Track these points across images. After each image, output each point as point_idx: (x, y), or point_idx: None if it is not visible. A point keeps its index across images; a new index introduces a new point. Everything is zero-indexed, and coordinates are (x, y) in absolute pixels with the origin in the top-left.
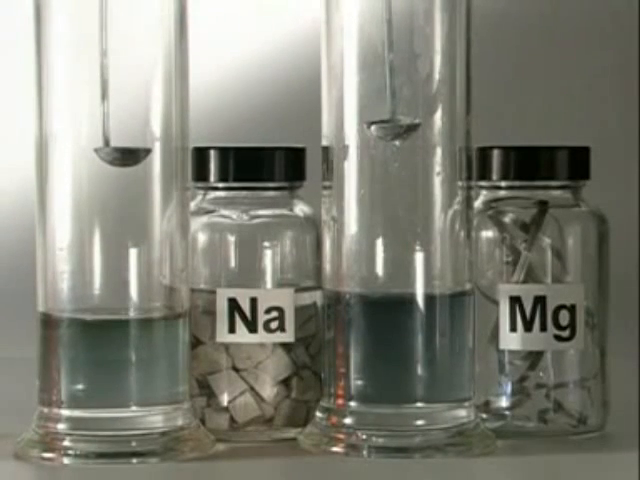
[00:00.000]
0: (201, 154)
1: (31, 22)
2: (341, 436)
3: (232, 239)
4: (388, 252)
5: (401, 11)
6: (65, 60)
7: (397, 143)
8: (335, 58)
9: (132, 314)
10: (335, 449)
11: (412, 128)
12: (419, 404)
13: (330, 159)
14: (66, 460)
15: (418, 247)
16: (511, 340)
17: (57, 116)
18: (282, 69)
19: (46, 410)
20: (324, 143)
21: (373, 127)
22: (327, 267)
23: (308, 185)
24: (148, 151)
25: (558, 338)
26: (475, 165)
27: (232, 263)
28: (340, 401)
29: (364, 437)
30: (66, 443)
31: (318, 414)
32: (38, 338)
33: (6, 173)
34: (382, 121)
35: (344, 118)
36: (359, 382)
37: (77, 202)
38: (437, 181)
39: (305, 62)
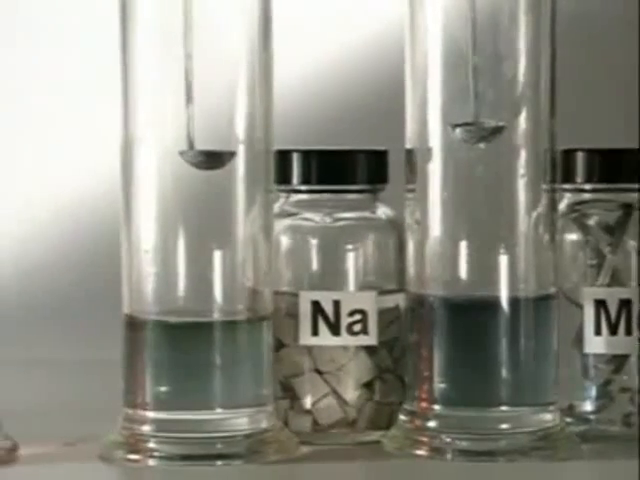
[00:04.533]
0: (284, 157)
1: (117, 27)
2: (425, 439)
3: (315, 242)
4: (472, 255)
5: (486, 12)
6: (150, 63)
7: (482, 146)
8: (419, 59)
9: (216, 316)
10: (419, 452)
11: (497, 131)
12: (503, 407)
13: (414, 162)
14: (151, 462)
15: (502, 250)
16: (596, 344)
17: (142, 119)
18: (365, 71)
19: (131, 412)
20: (408, 145)
21: (458, 130)
22: (410, 270)
23: (390, 188)
24: (232, 154)
25: None
26: (559, 168)
27: (315, 266)
28: (424, 404)
29: (448, 440)
30: (151, 445)
31: (401, 417)
32: (123, 340)
33: (92, 176)
34: (467, 124)
35: (428, 120)
36: (443, 385)
37: (162, 205)
38: (521, 184)
39: (388, 63)
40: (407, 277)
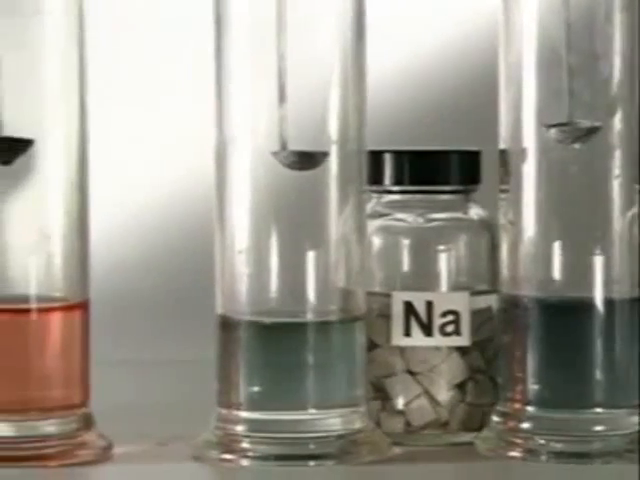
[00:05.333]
0: (376, 157)
1: (211, 27)
2: (518, 441)
3: (407, 242)
4: (566, 256)
5: (581, 10)
6: (243, 64)
7: (576, 146)
8: (513, 58)
9: (309, 317)
10: (513, 454)
11: (592, 131)
12: (598, 409)
13: (508, 162)
14: (244, 462)
15: (597, 251)
16: None
17: (236, 120)
18: (458, 70)
19: (225, 412)
20: (502, 146)
21: (552, 130)
22: (504, 271)
23: (482, 188)
24: (325, 154)
25: None
26: None
27: (407, 266)
28: (517, 405)
29: (542, 442)
30: (245, 445)
31: (494, 418)
32: (217, 340)
33: (186, 177)
34: (561, 124)
35: (522, 120)
36: (536, 386)
37: (255, 205)
38: (616, 184)
39: (482, 63)
40: (500, 278)
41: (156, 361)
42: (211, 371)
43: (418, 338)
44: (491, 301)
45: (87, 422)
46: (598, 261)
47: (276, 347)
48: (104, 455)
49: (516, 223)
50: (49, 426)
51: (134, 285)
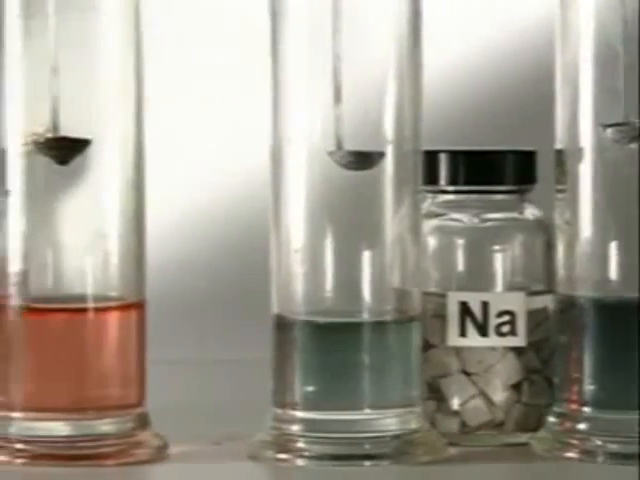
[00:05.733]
0: (431, 157)
1: (267, 28)
2: (575, 442)
3: (462, 242)
4: (623, 256)
5: (638, 8)
6: (299, 64)
7: (633, 146)
8: (569, 57)
9: (365, 317)
10: (569, 455)
11: None
12: None
13: (564, 162)
14: (300, 462)
15: None
16: None
17: (292, 120)
18: (513, 69)
19: (280, 412)
20: (558, 146)
21: (609, 130)
22: (560, 271)
23: (538, 188)
24: (382, 154)
25: None
26: None
27: (462, 266)
28: (573, 406)
29: (599, 443)
30: (300, 445)
31: (550, 419)
32: (272, 340)
33: (242, 176)
34: (618, 124)
35: (579, 120)
36: (593, 387)
37: (311, 205)
38: None
39: (537, 61)
40: (557, 278)
41: (212, 361)
42: (266, 371)
43: (474, 338)
44: (547, 301)
45: (143, 421)
46: None
47: (331, 347)
48: (160, 454)
49: (572, 223)
50: (106, 425)
51: (190, 284)
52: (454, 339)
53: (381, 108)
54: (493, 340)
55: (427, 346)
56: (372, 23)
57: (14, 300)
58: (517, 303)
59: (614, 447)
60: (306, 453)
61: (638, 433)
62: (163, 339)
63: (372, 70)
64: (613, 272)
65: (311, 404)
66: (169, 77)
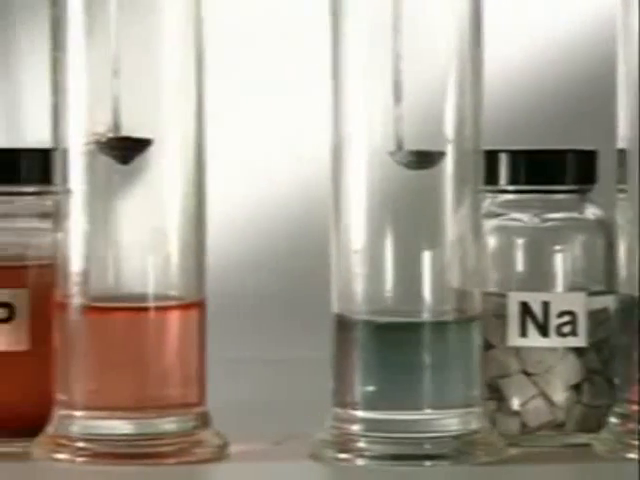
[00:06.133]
0: (491, 157)
1: (327, 27)
2: (636, 442)
3: (522, 242)
4: None
5: None
6: (359, 63)
7: None
8: (632, 57)
9: (425, 317)
10: (632, 455)
11: None
12: None
13: (626, 161)
14: (360, 461)
15: None
16: None
17: (352, 120)
18: (575, 68)
19: (341, 411)
20: (620, 145)
21: None
22: (622, 271)
23: (598, 187)
24: (442, 154)
25: None
26: None
27: (522, 266)
28: (635, 407)
29: None
30: (361, 444)
31: (612, 420)
32: (332, 339)
33: (301, 176)
34: None
35: None
36: None
37: (371, 205)
38: None
39: (599, 60)
40: (619, 278)
41: (271, 360)
42: (326, 370)
43: (534, 339)
44: (607, 302)
45: (204, 420)
46: None
47: (392, 347)
48: (220, 453)
49: (634, 223)
50: (167, 424)
51: (250, 283)
52: (514, 339)
53: (442, 107)
54: (554, 340)
55: (487, 346)
56: (433, 22)
57: (76, 299)
58: (578, 303)
59: None
60: (366, 453)
61: None
62: (223, 338)
63: (433, 69)
64: None
65: (371, 404)
66: (230, 76)
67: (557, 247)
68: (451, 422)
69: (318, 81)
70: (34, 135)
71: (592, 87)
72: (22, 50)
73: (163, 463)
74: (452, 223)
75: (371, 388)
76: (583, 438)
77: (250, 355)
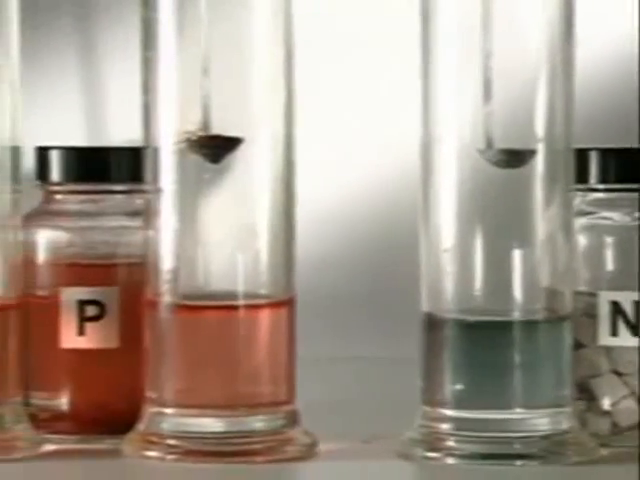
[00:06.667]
0: (581, 155)
1: (416, 26)
2: None
3: (613, 241)
4: None
5: None
6: (449, 62)
7: None
8: None
9: (515, 316)
10: None
11: None
12: None
13: None
14: (450, 460)
15: None
16: None
17: (442, 118)
18: None
19: (430, 410)
20: None
21: None
22: None
23: None
24: (533, 152)
25: None
26: None
27: (613, 265)
28: None
29: None
30: (450, 443)
31: None
32: (421, 338)
33: (390, 174)
34: None
35: None
36: None
37: (461, 203)
38: None
39: None
40: None
41: (360, 358)
42: (415, 369)
43: (625, 338)
44: None
45: (293, 419)
46: None
47: (481, 345)
48: (309, 452)
49: None
50: (256, 422)
51: (339, 282)
52: (605, 339)
53: (532, 105)
54: None
55: (577, 346)
56: (523, 19)
57: (166, 297)
58: None
59: None
60: (456, 452)
61: None
62: (313, 336)
63: (523, 67)
64: None
65: (461, 403)
66: (319, 75)
67: None
68: (541, 422)
69: (408, 79)
70: (119, 135)
71: None
72: (105, 50)
73: (252, 461)
74: (542, 222)
75: (461, 387)
76: None
77: (339, 354)
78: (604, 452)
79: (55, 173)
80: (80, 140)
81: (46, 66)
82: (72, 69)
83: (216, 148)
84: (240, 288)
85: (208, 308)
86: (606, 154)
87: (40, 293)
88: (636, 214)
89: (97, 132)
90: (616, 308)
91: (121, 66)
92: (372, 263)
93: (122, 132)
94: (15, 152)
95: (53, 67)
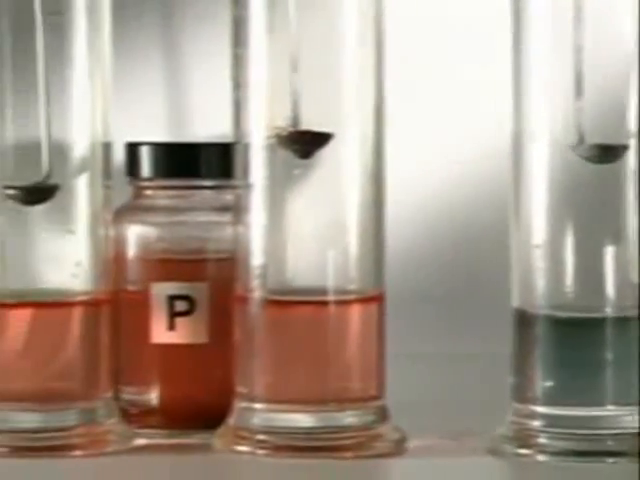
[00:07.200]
0: None
1: (508, 21)
2: None
3: None
4: None
5: None
6: (541, 57)
7: None
8: None
9: (607, 312)
10: None
11: None
12: None
13: None
14: (541, 457)
15: None
16: None
17: (533, 113)
18: None
19: (520, 407)
20: None
21: None
22: None
23: None
24: (625, 147)
25: None
26: None
27: None
28: None
29: None
30: (541, 440)
31: None
32: (512, 334)
33: (480, 170)
34: None
35: None
36: None
37: (552, 199)
38: None
39: None
40: None
41: (450, 354)
42: (505, 365)
43: None
44: None
45: (383, 414)
46: None
47: (573, 342)
48: (399, 448)
49: None
50: (347, 418)
51: (428, 277)
52: None
53: (624, 100)
54: None
55: None
56: (615, 12)
57: (256, 293)
58: None
59: None
60: (547, 449)
61: None
62: (401, 332)
63: (615, 61)
64: None
65: (552, 399)
66: (409, 69)
67: None
68: (634, 419)
69: (498, 74)
70: (202, 130)
71: None
72: (189, 47)
73: (341, 457)
74: (634, 217)
75: (552, 383)
76: None
77: (429, 350)
78: None
79: (145, 169)
80: (163, 136)
81: (131, 61)
82: (156, 65)
83: (306, 144)
84: (330, 284)
85: (299, 304)
86: None
87: (130, 288)
88: None
89: (180, 128)
90: None
91: (205, 63)
92: (462, 258)
93: (205, 128)
94: (107, 148)
95: (138, 63)
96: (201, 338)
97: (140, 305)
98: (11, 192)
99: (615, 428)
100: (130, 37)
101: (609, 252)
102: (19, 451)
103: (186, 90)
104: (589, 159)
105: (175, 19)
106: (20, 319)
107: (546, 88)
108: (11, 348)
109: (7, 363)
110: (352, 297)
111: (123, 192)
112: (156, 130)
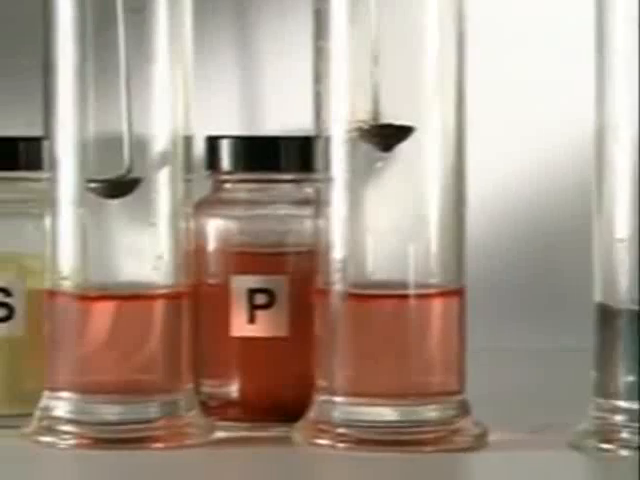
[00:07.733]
0: None
1: (591, 9)
2: None
3: None
4: None
5: None
6: (624, 50)
7: None
8: None
9: None
10: None
11: None
12: None
13: None
14: (624, 452)
15: None
16: None
17: (616, 107)
18: None
19: (603, 401)
20: None
21: None
22: None
23: None
24: None
25: None
26: None
27: None
28: None
29: None
30: (624, 435)
31: None
32: (595, 329)
33: (563, 164)
34: None
35: None
36: None
37: (636, 193)
38: None
39: None
40: None
41: (532, 349)
42: (587, 359)
43: None
44: None
45: (464, 409)
46: None
47: None
48: (479, 442)
49: None
50: (428, 412)
51: (509, 272)
52: None
53: None
54: None
55: None
56: None
57: (337, 286)
58: None
59: None
60: (630, 443)
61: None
62: (483, 327)
63: None
64: None
65: (635, 394)
66: (490, 62)
67: None
68: None
69: (581, 67)
70: (276, 124)
71: None
72: (260, 42)
73: (423, 451)
74: None
75: (635, 378)
76: None
77: (510, 344)
78: None
79: (225, 162)
80: (238, 130)
81: (206, 55)
82: (232, 59)
83: (387, 137)
84: (411, 277)
85: (380, 297)
86: None
87: (210, 281)
88: None
89: (255, 122)
90: None
91: (279, 56)
92: (543, 252)
93: (279, 122)
94: (188, 142)
95: (215, 56)
96: (281, 331)
97: (220, 298)
98: (93, 186)
99: None
100: (207, 30)
101: None
102: (101, 443)
103: (260, 84)
104: None
105: (250, 13)
106: (102, 312)
107: (629, 79)
108: (93, 341)
109: (89, 356)
110: (433, 291)
111: (203, 186)
112: (231, 124)
